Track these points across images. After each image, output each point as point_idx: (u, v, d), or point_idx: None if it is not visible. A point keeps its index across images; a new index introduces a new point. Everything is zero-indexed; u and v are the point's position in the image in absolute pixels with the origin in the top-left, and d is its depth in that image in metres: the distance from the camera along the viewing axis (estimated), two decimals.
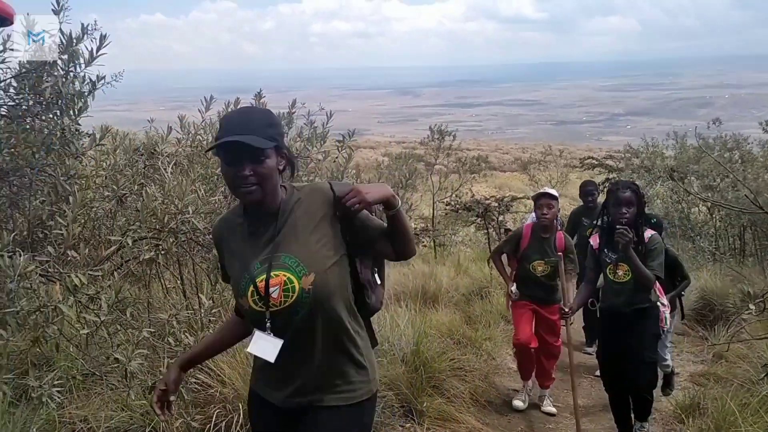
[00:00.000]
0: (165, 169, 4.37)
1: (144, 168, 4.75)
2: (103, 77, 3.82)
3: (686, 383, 5.90)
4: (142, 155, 4.89)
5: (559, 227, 5.46)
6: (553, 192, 5.35)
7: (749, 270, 9.48)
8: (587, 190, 7.18)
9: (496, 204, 12.13)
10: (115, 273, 3.25)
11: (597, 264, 4.57)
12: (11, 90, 3.83)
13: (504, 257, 5.67)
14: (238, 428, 3.61)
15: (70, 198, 3.16)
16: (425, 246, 11.98)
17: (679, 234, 11.66)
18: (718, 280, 8.49)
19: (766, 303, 2.88)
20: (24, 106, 3.74)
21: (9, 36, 3.66)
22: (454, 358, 5.46)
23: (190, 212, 3.56)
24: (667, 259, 4.82)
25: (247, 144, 1.93)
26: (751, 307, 2.80)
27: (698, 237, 11.35)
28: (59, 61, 3.68)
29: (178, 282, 4.85)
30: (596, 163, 16.96)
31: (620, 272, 4.34)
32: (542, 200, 5.25)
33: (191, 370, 2.97)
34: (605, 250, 4.43)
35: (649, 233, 4.29)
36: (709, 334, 7.07)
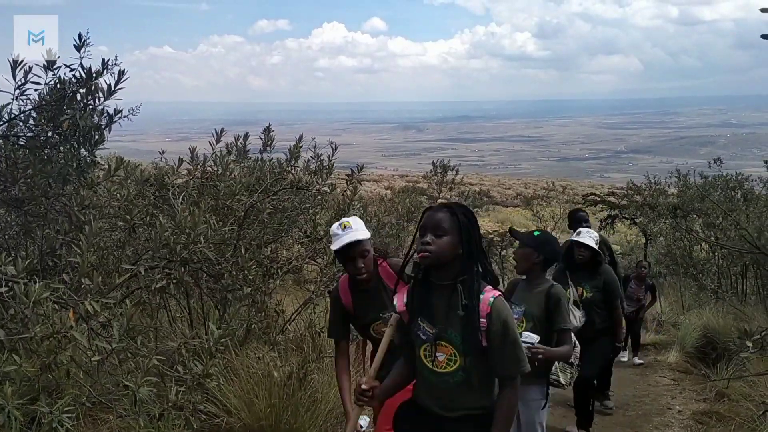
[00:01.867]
0: (175, 200, 4.45)
1: (154, 199, 4.84)
2: (120, 111, 3.93)
3: (689, 422, 5.88)
4: (152, 186, 4.99)
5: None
6: (359, 235, 3.15)
7: (751, 308, 9.48)
8: (578, 216, 6.53)
9: (499, 239, 12.21)
10: (127, 301, 3.31)
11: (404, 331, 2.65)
12: (30, 121, 3.94)
13: None
14: None
15: (86, 227, 3.23)
16: None
17: (681, 272, 11.69)
18: (720, 318, 8.50)
19: (764, 340, 2.92)
20: (42, 138, 3.85)
21: (30, 68, 3.77)
22: None
23: (202, 242, 3.63)
24: (548, 304, 3.83)
25: None
26: (749, 344, 2.83)
27: (700, 275, 11.36)
28: (78, 95, 3.79)
29: (185, 311, 4.89)
30: (598, 199, 17.06)
31: (441, 357, 2.54)
32: (352, 251, 3.16)
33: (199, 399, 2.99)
34: (418, 319, 2.59)
35: (490, 296, 2.47)
36: (711, 372, 7.06)
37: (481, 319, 2.43)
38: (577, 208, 8.12)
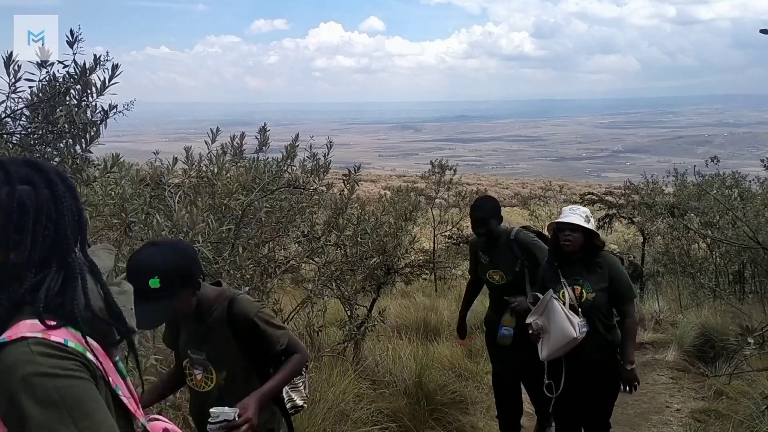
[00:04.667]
0: (172, 199, 4.43)
1: (150, 198, 4.81)
2: (115, 106, 3.91)
3: (687, 420, 5.87)
4: (148, 185, 4.96)
5: None
6: None
7: (749, 306, 9.48)
8: (477, 216, 4.50)
9: None
10: None
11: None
12: (23, 119, 3.92)
13: None
14: None
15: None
16: (425, 279, 11.99)
17: (679, 270, 11.69)
18: (718, 317, 8.48)
19: (764, 336, 2.91)
20: (36, 135, 3.83)
21: (20, 66, 3.75)
22: (455, 390, 5.46)
23: (200, 241, 3.62)
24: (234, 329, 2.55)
25: None
26: (750, 340, 2.82)
27: (698, 273, 11.36)
28: (73, 91, 3.77)
29: None
30: (596, 198, 17.04)
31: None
32: None
33: None
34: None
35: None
36: (709, 371, 7.05)
37: None
38: (479, 198, 5.36)
